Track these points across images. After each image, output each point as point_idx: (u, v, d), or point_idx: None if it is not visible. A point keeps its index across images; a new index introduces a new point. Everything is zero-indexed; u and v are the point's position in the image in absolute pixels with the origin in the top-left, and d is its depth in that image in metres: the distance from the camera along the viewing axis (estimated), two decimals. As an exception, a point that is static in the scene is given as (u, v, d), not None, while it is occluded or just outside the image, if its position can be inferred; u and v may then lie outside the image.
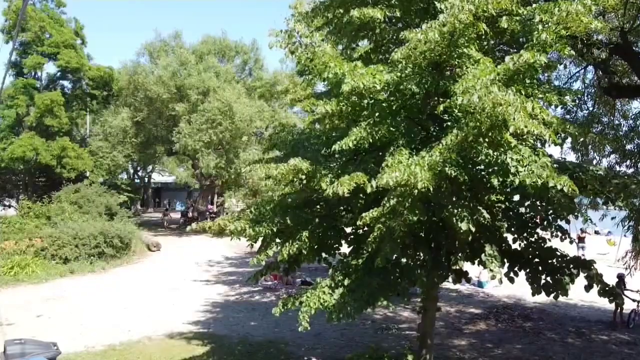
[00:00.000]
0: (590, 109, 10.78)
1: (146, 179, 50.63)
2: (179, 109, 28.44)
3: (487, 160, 5.84)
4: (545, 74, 10.83)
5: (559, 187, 5.42)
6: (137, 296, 15.06)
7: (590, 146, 10.61)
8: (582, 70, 10.89)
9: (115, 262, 20.25)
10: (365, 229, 7.01)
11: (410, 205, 5.69)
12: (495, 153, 5.87)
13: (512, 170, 5.80)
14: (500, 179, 5.92)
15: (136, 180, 46.76)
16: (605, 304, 13.84)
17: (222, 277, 18.65)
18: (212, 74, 29.79)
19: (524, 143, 6.26)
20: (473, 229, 6.02)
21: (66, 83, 30.07)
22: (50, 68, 29.00)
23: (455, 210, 6.08)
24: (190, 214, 38.19)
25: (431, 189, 5.18)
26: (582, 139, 6.94)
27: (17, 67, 27.05)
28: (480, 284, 16.13)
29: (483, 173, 7.02)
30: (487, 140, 5.74)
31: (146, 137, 31.84)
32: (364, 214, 5.96)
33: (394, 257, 6.65)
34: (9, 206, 29.24)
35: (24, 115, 26.05)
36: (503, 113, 5.14)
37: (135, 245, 22.52)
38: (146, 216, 46.13)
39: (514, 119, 4.92)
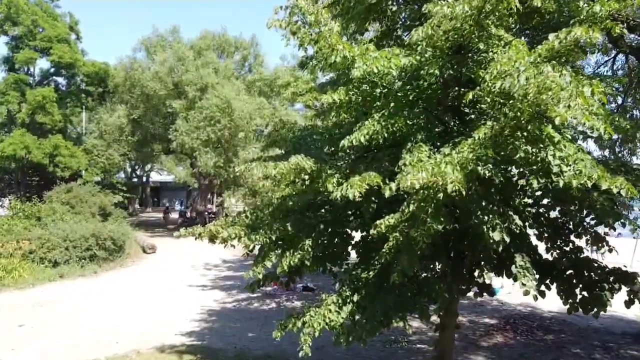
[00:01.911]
0: (620, 101, 9.84)
1: (144, 178, 49.70)
2: (177, 105, 27.56)
3: (525, 157, 4.91)
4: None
5: (615, 190, 4.51)
6: (128, 303, 14.15)
7: (618, 142, 9.69)
8: (612, 59, 9.97)
9: (108, 265, 19.34)
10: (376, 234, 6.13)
11: (434, 212, 4.77)
12: (533, 149, 4.96)
13: (555, 169, 4.89)
14: (541, 180, 5.02)
15: (134, 179, 45.85)
16: (626, 313, 12.93)
17: (219, 281, 17.74)
18: (211, 70, 28.89)
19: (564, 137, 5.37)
20: (507, 240, 5.11)
21: (60, 79, 29.29)
22: (43, 64, 28.17)
23: (486, 217, 5.18)
24: (188, 214, 37.30)
25: (463, 192, 4.26)
26: (633, 134, 5.97)
27: (8, 62, 26.19)
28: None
29: (513, 173, 6.19)
30: (525, 134, 4.83)
31: (143, 135, 30.98)
32: (378, 222, 5.05)
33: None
34: (1, 206, 28.36)
35: (16, 112, 25.18)
36: (549, 100, 4.23)
37: (129, 248, 21.61)
38: (144, 216, 45.29)
39: (568, 106, 3.99)
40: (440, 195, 4.58)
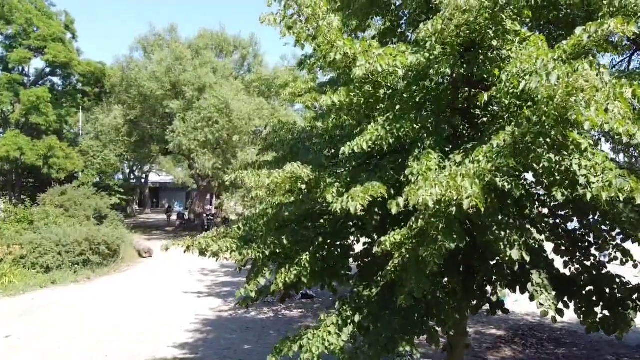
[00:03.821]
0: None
1: (143, 179, 49.14)
2: (174, 106, 27.00)
3: (548, 167, 4.36)
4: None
5: (651, 204, 3.97)
6: (120, 312, 13.63)
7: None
8: (628, 58, 9.43)
9: (102, 270, 18.81)
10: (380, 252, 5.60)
11: (446, 228, 4.23)
12: (557, 158, 4.41)
13: (581, 180, 4.35)
14: (566, 193, 4.48)
15: (132, 180, 45.26)
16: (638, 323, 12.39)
17: (216, 288, 17.21)
18: (209, 69, 28.34)
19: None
20: (527, 258, 4.58)
21: (56, 79, 28.72)
22: (38, 63, 27.69)
23: (503, 233, 4.64)
24: (186, 216, 36.77)
25: (482, 208, 3.71)
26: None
27: (2, 62, 25.66)
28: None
29: (529, 181, 5.66)
30: (548, 140, 4.29)
31: (140, 136, 30.46)
32: (382, 239, 4.52)
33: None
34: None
35: (10, 112, 24.64)
36: (580, 103, 3.70)
37: (124, 252, 21.06)
38: (143, 217, 44.77)
39: (606, 110, 3.45)
40: (453, 209, 4.05)
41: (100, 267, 18.80)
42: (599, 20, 4.02)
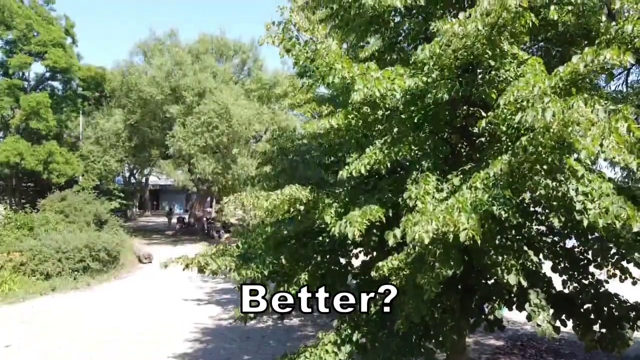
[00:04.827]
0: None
1: (143, 182, 49.11)
2: (174, 111, 26.99)
3: (545, 193, 4.38)
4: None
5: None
6: (120, 320, 13.62)
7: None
8: (626, 72, 9.43)
9: (102, 277, 18.81)
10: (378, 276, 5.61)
11: (443, 254, 4.26)
12: (553, 184, 4.44)
13: (578, 206, 4.37)
14: (563, 219, 4.50)
15: (132, 182, 45.21)
16: (638, 335, 12.42)
17: (216, 295, 17.21)
18: (209, 74, 28.30)
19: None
20: (525, 283, 4.60)
21: (56, 84, 28.68)
22: (38, 68, 27.68)
23: (500, 258, 4.67)
24: (186, 220, 36.76)
25: (478, 240, 3.74)
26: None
27: (2, 67, 25.67)
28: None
29: (527, 201, 5.68)
30: (545, 167, 4.32)
31: (140, 140, 30.45)
32: (380, 264, 4.54)
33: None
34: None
35: (10, 117, 24.64)
36: (575, 134, 3.73)
37: (124, 257, 21.06)
38: (143, 220, 44.72)
39: (601, 144, 3.48)
40: (451, 236, 4.08)
41: (100, 274, 18.80)
42: (596, 49, 4.04)
